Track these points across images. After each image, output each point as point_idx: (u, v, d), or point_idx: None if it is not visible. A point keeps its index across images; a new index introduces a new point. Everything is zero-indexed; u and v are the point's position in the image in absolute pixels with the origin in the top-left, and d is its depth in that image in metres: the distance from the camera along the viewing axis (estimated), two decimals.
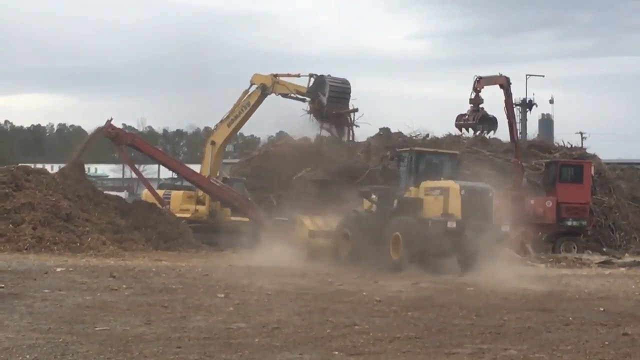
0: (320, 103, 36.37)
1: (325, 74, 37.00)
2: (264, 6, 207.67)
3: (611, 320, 17.44)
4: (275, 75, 37.48)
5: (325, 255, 31.08)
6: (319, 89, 36.57)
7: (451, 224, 27.60)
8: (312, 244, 32.25)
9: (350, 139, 38.57)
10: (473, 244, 27.64)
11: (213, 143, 38.40)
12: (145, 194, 41.07)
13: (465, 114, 42.00)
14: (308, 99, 37.14)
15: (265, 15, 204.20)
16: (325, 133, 39.35)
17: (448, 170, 30.28)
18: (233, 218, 38.75)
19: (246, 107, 38.00)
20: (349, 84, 37.28)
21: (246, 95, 38.07)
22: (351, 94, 37.31)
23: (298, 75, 37.37)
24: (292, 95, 37.54)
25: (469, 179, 30.77)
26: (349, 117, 37.13)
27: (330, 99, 36.31)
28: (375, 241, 29.16)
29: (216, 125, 39.01)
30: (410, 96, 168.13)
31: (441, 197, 28.54)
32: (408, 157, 30.77)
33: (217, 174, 38.92)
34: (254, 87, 38.03)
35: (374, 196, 30.65)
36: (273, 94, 37.62)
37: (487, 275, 25.92)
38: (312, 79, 36.90)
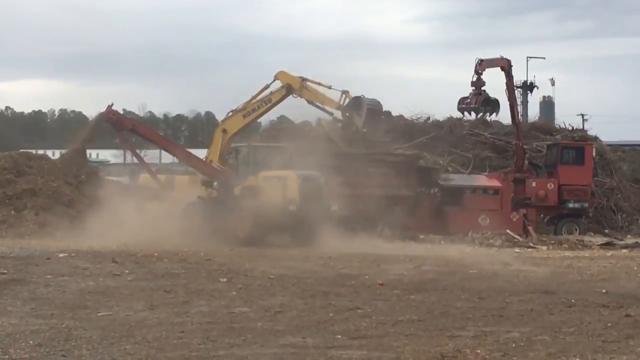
0: (357, 124, 36.66)
1: (360, 94, 36.93)
2: None
3: (613, 301, 17.46)
4: (304, 79, 37.18)
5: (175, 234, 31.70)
6: (355, 109, 36.59)
7: (292, 207, 31.75)
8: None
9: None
10: (309, 222, 31.60)
11: (224, 131, 38.16)
12: (143, 178, 40.96)
13: (467, 97, 42.02)
14: (334, 115, 37.36)
15: (262, 0, 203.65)
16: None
17: (280, 160, 33.94)
18: None
19: (267, 103, 37.71)
20: (381, 106, 37.49)
21: (268, 91, 37.76)
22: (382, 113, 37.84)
23: (330, 87, 37.17)
24: (319, 105, 37.41)
25: (299, 168, 33.57)
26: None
27: (365, 121, 36.48)
28: (220, 222, 32.01)
29: (229, 113, 38.65)
30: (409, 79, 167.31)
31: (280, 184, 32.45)
32: (246, 150, 34.92)
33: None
34: (277, 84, 37.69)
35: (215, 184, 33.83)
36: (297, 97, 37.37)
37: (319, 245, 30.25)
38: (345, 96, 36.79)
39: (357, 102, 36.68)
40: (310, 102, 37.41)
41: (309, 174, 32.97)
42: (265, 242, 30.71)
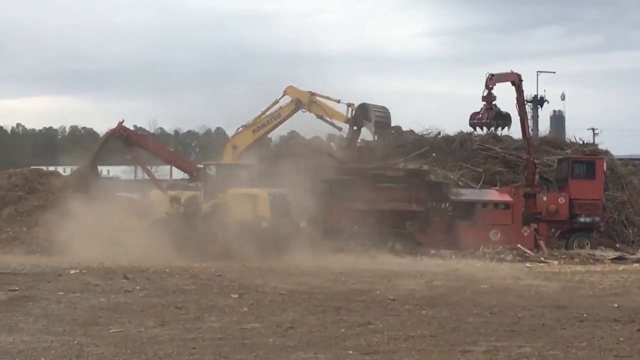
0: (368, 130, 36.80)
1: (363, 101, 37.14)
2: (270, 6, 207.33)
3: (625, 316, 17.42)
4: (313, 94, 37.24)
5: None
6: (363, 115, 36.71)
7: (264, 224, 32.60)
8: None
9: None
10: (279, 237, 32.21)
11: (235, 147, 38.26)
12: (153, 194, 40.99)
13: (478, 113, 41.99)
14: (342, 128, 37.60)
15: (271, 15, 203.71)
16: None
17: (246, 178, 34.71)
18: None
19: (276, 118, 37.85)
20: (389, 113, 37.57)
21: (277, 106, 37.82)
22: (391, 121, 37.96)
23: (338, 101, 37.25)
24: (327, 119, 37.52)
25: (266, 185, 34.44)
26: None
27: (376, 124, 36.56)
28: (187, 238, 32.47)
29: (238, 129, 38.71)
30: (419, 94, 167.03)
31: (250, 202, 33.21)
32: (214, 168, 35.53)
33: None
34: (286, 99, 37.77)
35: (183, 200, 34.37)
36: (306, 111, 37.50)
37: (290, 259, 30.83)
38: (350, 108, 36.96)
39: (363, 109, 36.83)
40: (319, 116, 37.52)
41: (278, 192, 33.68)
42: (234, 258, 30.78)
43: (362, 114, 36.92)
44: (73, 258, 29.50)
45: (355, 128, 38.19)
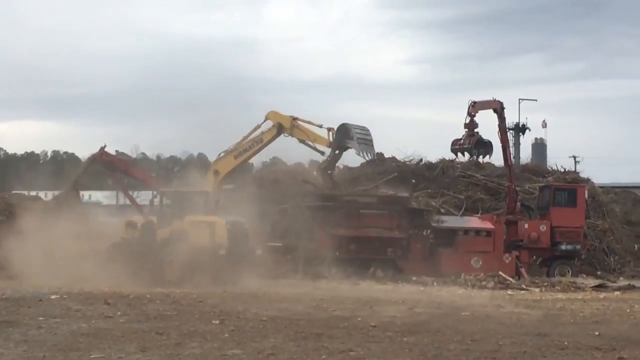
0: (352, 147, 36.80)
1: (343, 122, 37.30)
2: (252, 32, 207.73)
3: (606, 344, 17.45)
4: (295, 119, 37.21)
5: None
6: (345, 135, 36.67)
7: (222, 251, 33.11)
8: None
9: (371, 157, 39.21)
10: (236, 264, 32.56)
11: (216, 172, 38.11)
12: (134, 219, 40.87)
13: (460, 139, 42.07)
14: (324, 152, 37.63)
15: (253, 42, 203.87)
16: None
17: (202, 205, 35.26)
18: None
19: (258, 143, 37.68)
20: (369, 131, 37.56)
21: (259, 131, 37.74)
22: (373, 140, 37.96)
23: (321, 126, 37.22)
24: (310, 143, 37.46)
25: (222, 213, 35.05)
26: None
27: (359, 141, 36.53)
28: (144, 264, 32.63)
29: (220, 154, 38.57)
30: (401, 121, 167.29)
31: (208, 229, 33.51)
32: (171, 195, 36.05)
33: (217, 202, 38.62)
34: (268, 124, 37.66)
35: (139, 226, 34.43)
36: (288, 136, 37.46)
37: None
38: (331, 133, 36.93)
39: (344, 129, 36.75)
40: (301, 141, 37.41)
41: (235, 220, 34.00)
42: (191, 283, 30.83)
43: (343, 134, 36.85)
44: (27, 282, 29.55)
45: (337, 152, 38.12)
